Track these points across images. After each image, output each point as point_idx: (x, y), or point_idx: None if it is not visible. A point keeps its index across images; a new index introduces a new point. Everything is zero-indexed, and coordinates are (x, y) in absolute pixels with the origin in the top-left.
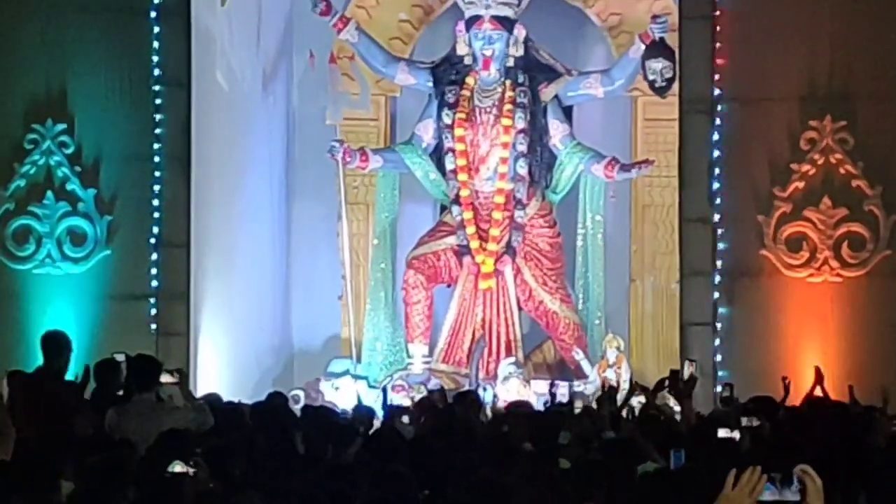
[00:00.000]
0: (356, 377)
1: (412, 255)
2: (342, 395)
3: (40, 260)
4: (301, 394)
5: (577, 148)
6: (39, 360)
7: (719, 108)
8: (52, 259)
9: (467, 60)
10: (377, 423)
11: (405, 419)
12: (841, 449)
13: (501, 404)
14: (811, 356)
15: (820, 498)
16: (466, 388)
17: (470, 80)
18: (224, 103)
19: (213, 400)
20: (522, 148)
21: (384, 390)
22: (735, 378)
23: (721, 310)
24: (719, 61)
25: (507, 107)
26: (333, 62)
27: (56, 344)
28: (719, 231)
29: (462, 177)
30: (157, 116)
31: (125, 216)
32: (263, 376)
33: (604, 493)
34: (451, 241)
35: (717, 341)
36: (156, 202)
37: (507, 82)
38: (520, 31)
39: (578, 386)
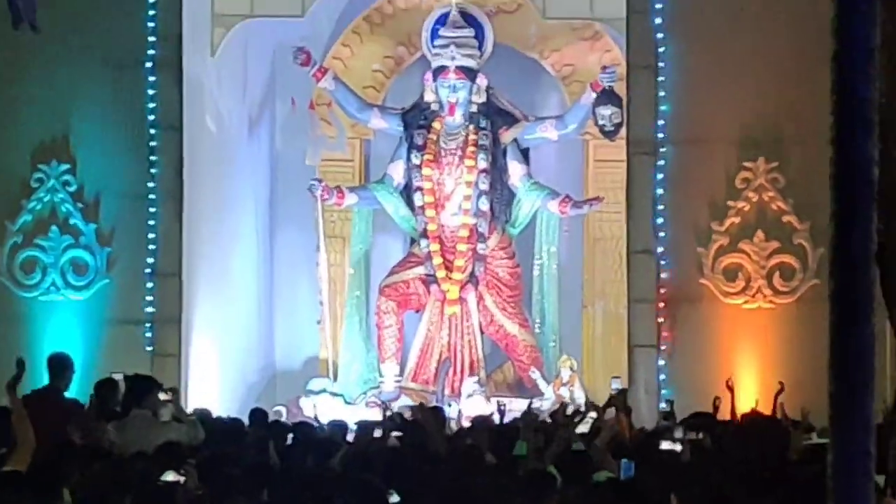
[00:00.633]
0: (333, 394)
1: (384, 284)
2: (321, 411)
3: (45, 288)
4: (283, 409)
5: (533, 186)
6: (45, 379)
7: (662, 150)
8: (57, 287)
9: (434, 107)
10: (350, 436)
11: (377, 433)
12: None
13: (465, 419)
14: (746, 376)
15: None
16: (434, 404)
17: (437, 125)
18: (213, 146)
19: (206, 414)
20: (484, 186)
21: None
22: (677, 395)
23: (664, 333)
24: (662, 108)
25: (471, 149)
26: (313, 108)
27: (60, 365)
28: (663, 261)
29: (429, 212)
30: (152, 157)
31: (123, 248)
32: (249, 394)
33: (559, 500)
34: (420, 270)
35: (661, 362)
36: (151, 235)
37: (471, 126)
38: (482, 81)
39: (536, 402)
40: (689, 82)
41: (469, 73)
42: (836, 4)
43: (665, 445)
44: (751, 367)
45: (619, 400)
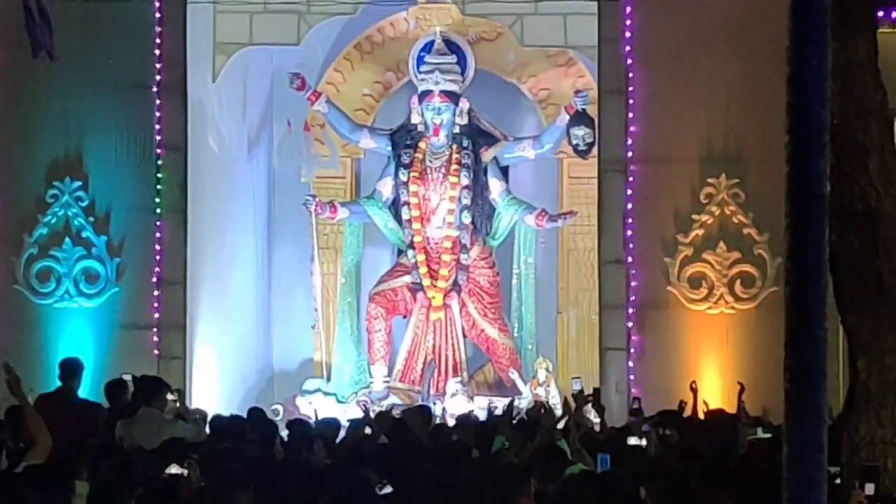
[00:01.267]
0: (326, 394)
1: (374, 291)
2: (313, 409)
3: (59, 296)
4: (280, 408)
5: (512, 201)
6: (57, 381)
7: (631, 167)
8: (70, 295)
9: (420, 128)
10: (342, 433)
11: (367, 430)
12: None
13: (449, 417)
14: (709, 377)
15: None
16: (420, 402)
17: (422, 145)
18: (215, 164)
19: (204, 415)
20: (467, 201)
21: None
22: (645, 395)
23: (634, 337)
24: (632, 129)
25: (454, 167)
26: (307, 129)
27: (71, 368)
28: (632, 271)
29: (416, 226)
30: (159, 175)
31: (131, 258)
32: (248, 393)
33: (535, 490)
34: (407, 279)
35: (631, 364)
36: (157, 247)
37: (454, 146)
38: (464, 104)
39: (515, 401)
40: (655, 105)
41: (452, 97)
42: (791, 34)
43: (632, 441)
44: (714, 369)
45: (581, 399)
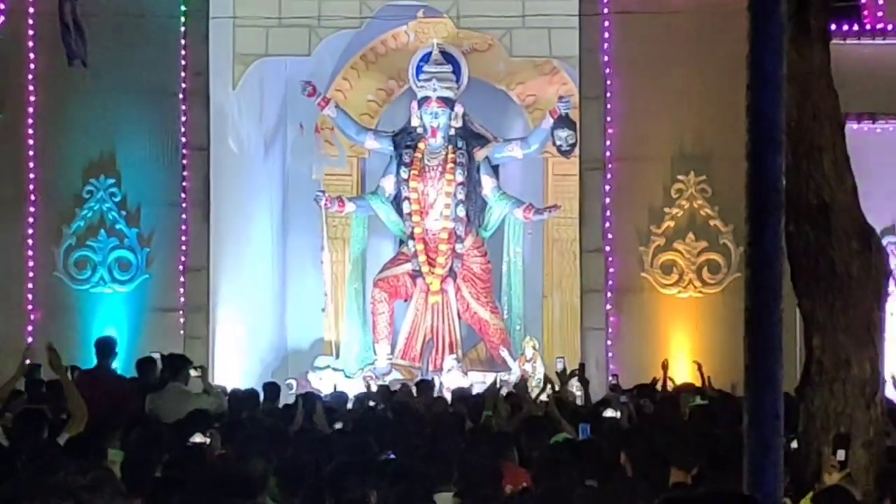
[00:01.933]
0: (336, 370)
1: (378, 278)
2: (324, 384)
3: (95, 282)
4: (294, 382)
5: (502, 196)
6: (94, 359)
7: (609, 166)
8: (104, 281)
9: (419, 130)
10: (349, 405)
11: (372, 402)
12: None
13: (446, 391)
14: (680, 354)
15: None
16: (420, 378)
17: (421, 145)
18: (234, 163)
19: (224, 390)
20: (461, 196)
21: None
22: (622, 370)
23: (612, 318)
24: (609, 131)
25: (450, 165)
26: (318, 132)
27: (106, 346)
28: (610, 259)
29: (416, 218)
30: (184, 173)
31: (159, 248)
32: (265, 370)
33: (522, 458)
34: (408, 266)
35: (609, 342)
36: (183, 238)
37: (450, 147)
38: (459, 108)
39: (504, 376)
40: (631, 110)
41: (448, 103)
42: (750, 44)
43: (608, 413)
44: (683, 347)
45: (565, 376)
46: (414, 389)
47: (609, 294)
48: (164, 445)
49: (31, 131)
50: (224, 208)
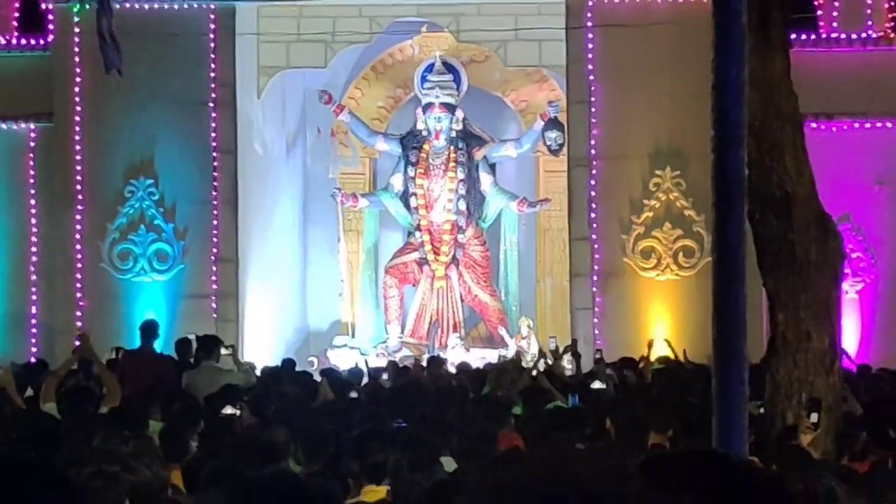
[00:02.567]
0: (352, 348)
1: (388, 265)
2: (342, 361)
3: (136, 272)
4: (315, 360)
5: (499, 191)
6: (138, 340)
7: (594, 163)
8: (145, 271)
9: (424, 133)
10: (364, 380)
11: (384, 377)
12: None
13: (450, 366)
14: (658, 331)
15: None
16: (428, 355)
17: (426, 146)
18: (260, 164)
19: (252, 366)
20: (462, 192)
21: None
22: (606, 345)
23: (598, 299)
24: (594, 132)
25: (452, 164)
26: (333, 135)
27: (150, 329)
28: (595, 246)
29: (422, 212)
30: (215, 174)
31: (194, 241)
32: (288, 348)
33: (518, 424)
34: (415, 255)
35: (595, 321)
36: (214, 231)
37: (452, 147)
38: (459, 113)
39: (502, 352)
40: (613, 113)
41: (450, 108)
42: (715, 51)
43: (595, 385)
44: (662, 324)
45: (557, 353)
46: (425, 364)
47: (595, 278)
48: (198, 417)
49: (77, 138)
50: (251, 205)
